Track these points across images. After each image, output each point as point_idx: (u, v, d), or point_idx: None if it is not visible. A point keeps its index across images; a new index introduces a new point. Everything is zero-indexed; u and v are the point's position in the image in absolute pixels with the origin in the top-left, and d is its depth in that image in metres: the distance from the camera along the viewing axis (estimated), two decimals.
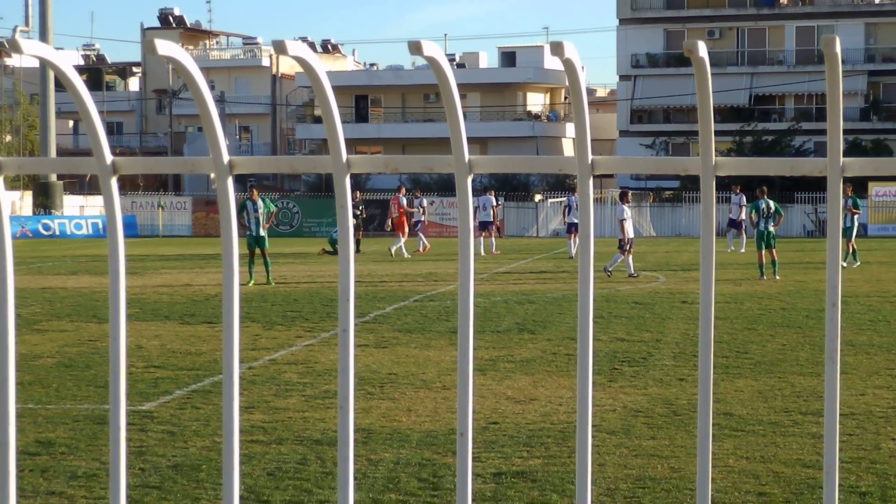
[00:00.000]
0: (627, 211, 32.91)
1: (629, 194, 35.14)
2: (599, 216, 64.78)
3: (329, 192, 56.85)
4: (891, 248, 48.78)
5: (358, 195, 44.82)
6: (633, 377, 15.18)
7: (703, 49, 1.54)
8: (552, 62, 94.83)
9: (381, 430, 11.91)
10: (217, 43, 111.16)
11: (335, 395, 13.77)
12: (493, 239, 45.77)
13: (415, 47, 1.62)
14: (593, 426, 12.04)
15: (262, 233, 29.91)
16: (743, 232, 45.31)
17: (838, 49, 1.51)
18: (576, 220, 43.47)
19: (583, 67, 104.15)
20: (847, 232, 34.18)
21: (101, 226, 65.25)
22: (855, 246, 35.50)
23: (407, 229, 44.05)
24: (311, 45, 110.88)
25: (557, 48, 1.59)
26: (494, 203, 46.81)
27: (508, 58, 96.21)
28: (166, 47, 1.66)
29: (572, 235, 42.19)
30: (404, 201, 44.70)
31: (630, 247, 32.40)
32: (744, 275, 32.50)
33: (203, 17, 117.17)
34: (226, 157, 1.83)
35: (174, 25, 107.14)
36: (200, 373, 15.66)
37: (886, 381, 14.79)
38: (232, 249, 1.82)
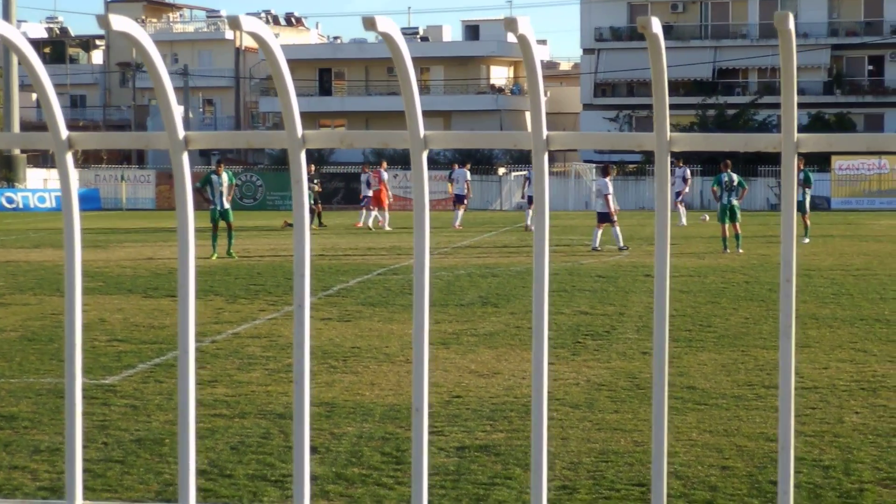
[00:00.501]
0: (610, 185, 33.05)
1: (610, 168, 35.12)
2: (563, 189, 64.89)
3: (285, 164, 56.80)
4: (854, 221, 49.02)
5: (313, 168, 44.87)
6: (596, 350, 15.23)
7: (656, 25, 1.54)
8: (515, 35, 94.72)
9: (344, 403, 11.92)
10: (181, 16, 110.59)
11: None
12: (461, 213, 45.86)
13: (369, 23, 1.62)
14: (556, 400, 12.09)
15: (227, 206, 29.95)
16: (679, 204, 45.41)
17: (791, 25, 1.51)
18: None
19: (545, 41, 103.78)
20: (800, 206, 34.12)
21: None
22: (808, 222, 35.36)
23: (388, 203, 44.37)
24: (275, 18, 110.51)
25: (511, 24, 1.59)
26: (468, 177, 47.14)
27: (472, 31, 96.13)
28: (120, 22, 1.65)
29: (531, 207, 42.53)
30: (385, 175, 44.94)
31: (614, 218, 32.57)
32: (707, 248, 32.62)
33: None
34: (181, 133, 1.82)
35: None
36: (163, 346, 15.63)
37: (849, 355, 14.87)
38: (187, 224, 1.82)
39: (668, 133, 1.70)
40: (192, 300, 1.80)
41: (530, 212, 42.09)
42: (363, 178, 45.97)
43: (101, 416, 11.28)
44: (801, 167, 34.88)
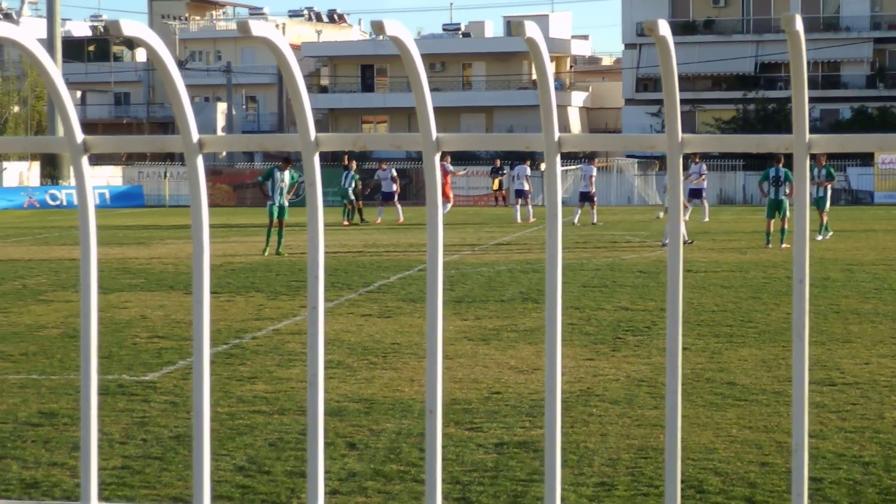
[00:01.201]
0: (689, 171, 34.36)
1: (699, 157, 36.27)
2: (606, 184, 64.69)
3: (335, 161, 56.95)
4: None
5: (355, 164, 45.30)
6: (636, 346, 15.19)
7: (664, 28, 1.54)
8: (557, 31, 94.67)
9: (383, 400, 11.93)
10: (223, 13, 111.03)
11: (338, 365, 13.83)
12: (530, 207, 46.28)
13: (377, 27, 1.62)
14: (596, 396, 12.07)
15: (286, 203, 29.96)
16: (703, 200, 45.37)
17: (800, 27, 1.50)
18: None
19: (587, 36, 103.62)
20: (821, 202, 33.77)
21: (108, 196, 65.28)
22: (825, 218, 34.70)
23: (451, 194, 46.15)
24: (318, 16, 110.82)
25: (518, 28, 1.59)
26: (528, 172, 47.76)
27: (514, 26, 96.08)
28: (132, 28, 1.66)
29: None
30: (449, 167, 46.52)
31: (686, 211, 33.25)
32: (749, 243, 32.48)
33: None
34: (195, 137, 1.83)
35: None
36: None
37: (891, 350, 14.80)
38: (202, 226, 1.82)
39: (680, 134, 1.69)
40: (207, 303, 1.81)
41: (578, 210, 42.52)
42: (382, 174, 46.53)
43: (140, 413, 11.34)
44: (824, 163, 34.54)
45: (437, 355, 1.79)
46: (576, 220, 41.96)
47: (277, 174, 29.84)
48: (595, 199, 42.91)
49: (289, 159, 31.22)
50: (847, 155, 60.19)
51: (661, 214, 43.05)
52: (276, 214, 29.67)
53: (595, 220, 41.84)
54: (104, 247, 32.41)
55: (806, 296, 1.66)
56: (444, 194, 46.21)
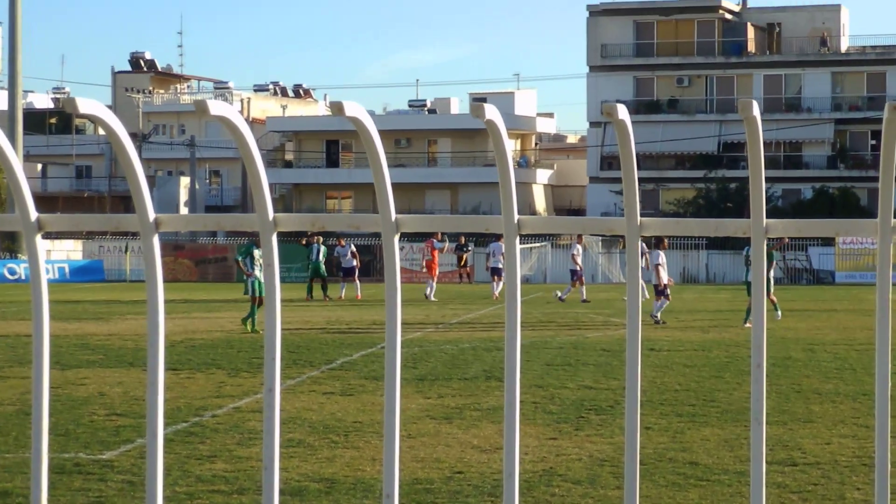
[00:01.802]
0: (663, 256, 33.27)
1: (665, 241, 35.58)
2: (568, 262, 64.63)
3: (298, 236, 56.95)
4: (858, 295, 48.95)
5: (321, 239, 45.50)
6: (599, 426, 15.15)
7: (623, 112, 1.54)
8: (523, 108, 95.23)
9: (344, 479, 11.84)
10: (188, 87, 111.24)
11: (298, 444, 13.72)
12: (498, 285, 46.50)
13: (336, 108, 1.61)
14: (558, 475, 12.01)
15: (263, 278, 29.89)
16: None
17: (756, 112, 1.51)
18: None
19: (552, 114, 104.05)
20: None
21: (67, 270, 64.98)
22: (775, 298, 34.46)
23: (437, 272, 46.84)
24: (283, 90, 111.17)
25: (478, 110, 1.58)
26: (503, 249, 47.80)
27: (473, 108, 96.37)
28: (87, 105, 1.65)
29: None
30: (438, 244, 47.39)
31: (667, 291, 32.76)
32: (711, 321, 32.55)
33: (174, 61, 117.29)
34: (151, 215, 1.82)
35: (145, 69, 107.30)
36: (164, 421, 15.54)
37: (852, 430, 14.80)
38: (157, 304, 1.80)
39: (639, 217, 1.69)
40: (161, 381, 1.78)
41: (569, 288, 42.99)
42: (341, 250, 46.60)
43: (97, 493, 11.21)
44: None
45: (394, 440, 1.77)
46: (562, 295, 43.06)
47: (255, 251, 29.77)
48: (579, 275, 43.83)
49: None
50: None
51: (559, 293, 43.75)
52: (258, 290, 29.52)
53: (585, 297, 42.21)
54: (63, 322, 32.19)
55: (763, 380, 1.65)
56: (431, 271, 46.06)
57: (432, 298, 44.03)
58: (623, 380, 14.10)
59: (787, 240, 35.41)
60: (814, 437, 14.22)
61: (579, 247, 44.86)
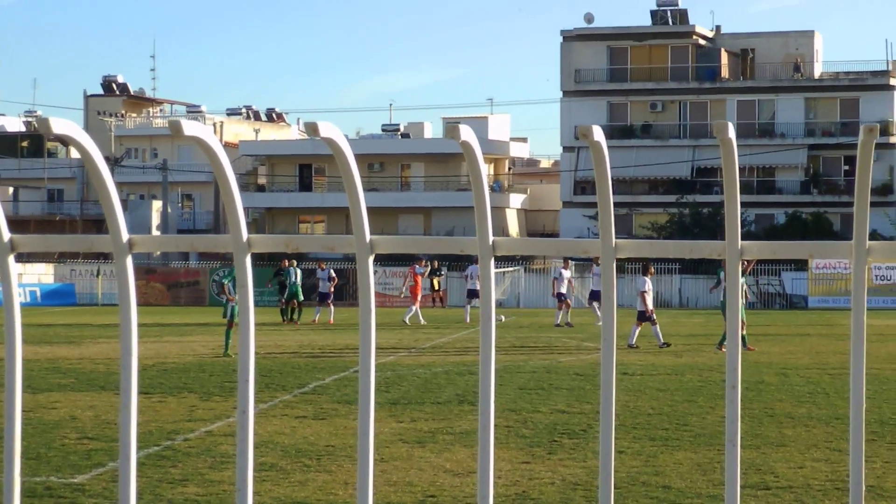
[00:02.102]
0: (649, 283, 33.28)
1: (651, 267, 35.52)
2: (543, 286, 64.84)
3: (266, 261, 56.91)
4: (831, 320, 49.09)
5: (294, 263, 45.57)
6: (572, 449, 15.14)
7: (598, 133, 1.54)
8: (496, 133, 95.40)
9: (317, 503, 11.81)
10: (160, 110, 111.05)
11: (271, 468, 13.67)
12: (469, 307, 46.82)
13: (311, 129, 1.61)
14: (531, 499, 11.99)
15: None
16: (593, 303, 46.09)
17: (732, 134, 1.51)
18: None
19: (526, 139, 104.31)
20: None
21: (38, 294, 64.69)
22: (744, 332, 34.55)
23: (420, 297, 46.99)
24: (256, 114, 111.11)
25: (453, 131, 1.58)
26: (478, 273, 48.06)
27: (448, 130, 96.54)
28: (61, 125, 1.64)
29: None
30: (419, 269, 47.37)
31: (653, 316, 32.72)
32: (685, 346, 32.59)
33: (147, 85, 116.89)
34: (125, 237, 1.81)
35: (118, 93, 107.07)
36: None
37: (825, 454, 14.83)
38: (130, 325, 1.80)
39: (614, 239, 1.69)
40: (135, 403, 1.77)
41: (560, 311, 44.10)
42: (321, 274, 46.60)
43: None
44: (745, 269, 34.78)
45: (368, 463, 1.77)
46: (558, 320, 43.49)
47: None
48: (565, 299, 44.13)
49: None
50: (782, 259, 60.77)
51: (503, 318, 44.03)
52: (236, 314, 29.40)
53: (559, 321, 43.07)
54: (34, 346, 32.04)
55: (738, 402, 1.65)
56: (413, 297, 46.25)
57: (422, 322, 44.35)
58: (596, 404, 14.24)
59: (754, 263, 35.46)
60: (787, 460, 14.25)
61: (565, 272, 45.48)
